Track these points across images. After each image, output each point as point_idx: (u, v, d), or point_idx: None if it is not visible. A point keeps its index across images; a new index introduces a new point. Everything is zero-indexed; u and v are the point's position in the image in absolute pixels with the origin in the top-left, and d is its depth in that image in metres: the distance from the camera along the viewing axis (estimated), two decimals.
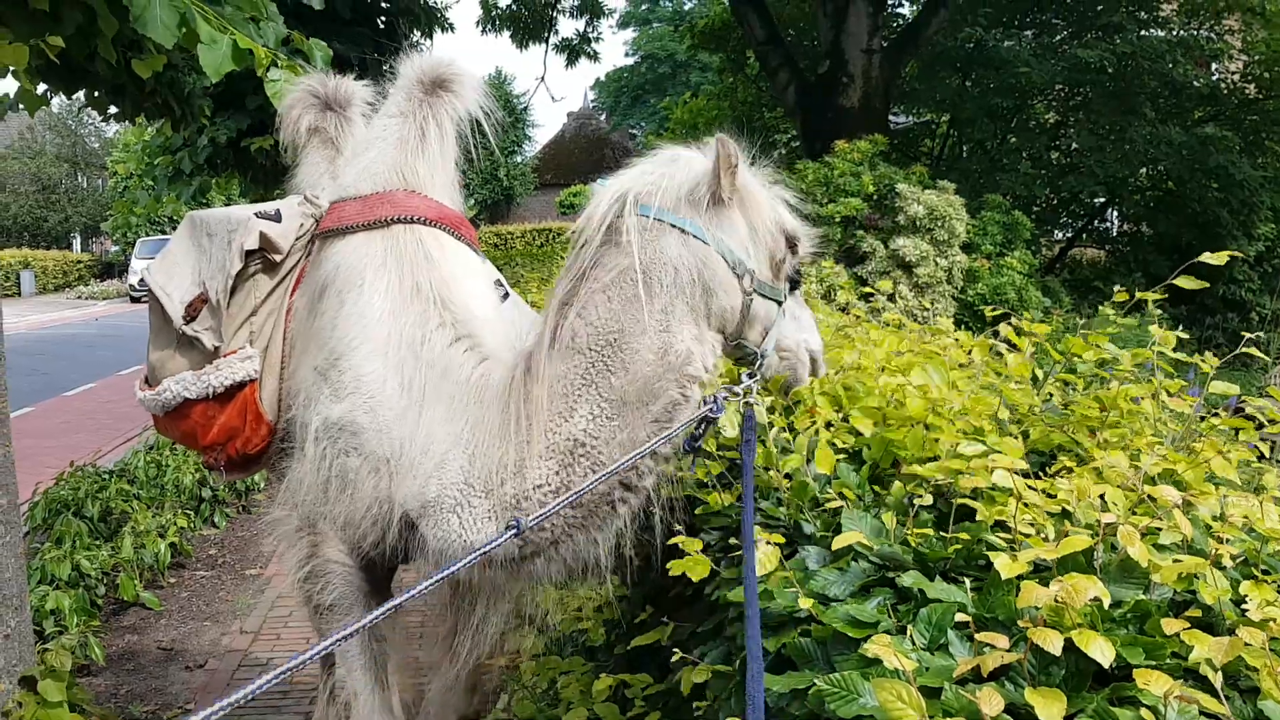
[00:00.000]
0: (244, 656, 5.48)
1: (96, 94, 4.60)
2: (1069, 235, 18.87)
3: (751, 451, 2.19)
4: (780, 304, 2.50)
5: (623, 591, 3.25)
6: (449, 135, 3.06)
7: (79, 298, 37.07)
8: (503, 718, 3.60)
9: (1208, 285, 2.55)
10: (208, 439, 2.99)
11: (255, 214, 3.05)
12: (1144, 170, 16.72)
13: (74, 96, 4.60)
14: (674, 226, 2.33)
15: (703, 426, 2.28)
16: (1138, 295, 2.66)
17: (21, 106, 4.31)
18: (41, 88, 4.32)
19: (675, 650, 2.28)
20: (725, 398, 2.28)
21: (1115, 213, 19.07)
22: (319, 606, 2.90)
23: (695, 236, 2.33)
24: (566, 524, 2.36)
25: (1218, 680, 1.42)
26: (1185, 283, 2.51)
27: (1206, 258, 2.45)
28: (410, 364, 2.61)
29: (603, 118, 52.00)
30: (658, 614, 2.78)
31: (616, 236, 2.34)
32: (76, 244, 47.74)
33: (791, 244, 2.52)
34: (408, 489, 2.50)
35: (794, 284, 2.59)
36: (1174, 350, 2.64)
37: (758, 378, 2.44)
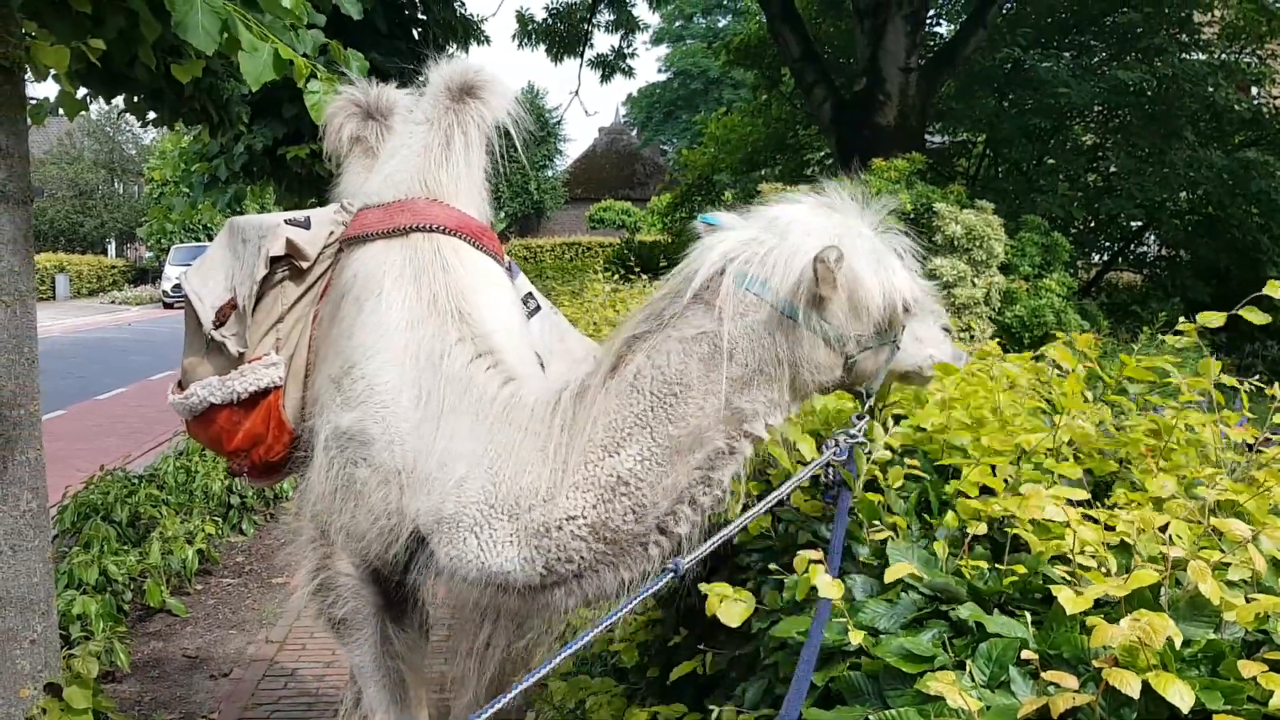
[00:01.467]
0: (269, 666, 5.44)
1: (136, 99, 4.62)
2: (1105, 259, 18.65)
3: (848, 496, 2.13)
4: (894, 343, 2.34)
5: (656, 615, 3.19)
6: (475, 143, 3.02)
7: (113, 302, 37.44)
8: None
9: (1270, 319, 2.44)
10: (232, 445, 2.97)
11: (285, 221, 3.02)
12: (1183, 194, 16.49)
13: (113, 101, 4.61)
14: (771, 306, 2.20)
15: (829, 471, 2.22)
16: (1200, 320, 2.55)
17: (61, 111, 4.31)
18: (81, 92, 4.32)
19: (711, 675, 2.21)
20: (848, 440, 2.24)
21: (1153, 236, 18.82)
22: (331, 620, 2.87)
23: (790, 318, 2.20)
24: (596, 559, 2.28)
25: None
26: (1250, 315, 2.39)
27: (1274, 289, 2.33)
28: (429, 377, 2.55)
29: (634, 133, 52.18)
30: (692, 637, 2.70)
31: (711, 297, 2.22)
32: (111, 249, 48.26)
33: (907, 308, 2.34)
34: (422, 503, 2.44)
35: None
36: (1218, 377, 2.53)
37: (865, 419, 2.35)
